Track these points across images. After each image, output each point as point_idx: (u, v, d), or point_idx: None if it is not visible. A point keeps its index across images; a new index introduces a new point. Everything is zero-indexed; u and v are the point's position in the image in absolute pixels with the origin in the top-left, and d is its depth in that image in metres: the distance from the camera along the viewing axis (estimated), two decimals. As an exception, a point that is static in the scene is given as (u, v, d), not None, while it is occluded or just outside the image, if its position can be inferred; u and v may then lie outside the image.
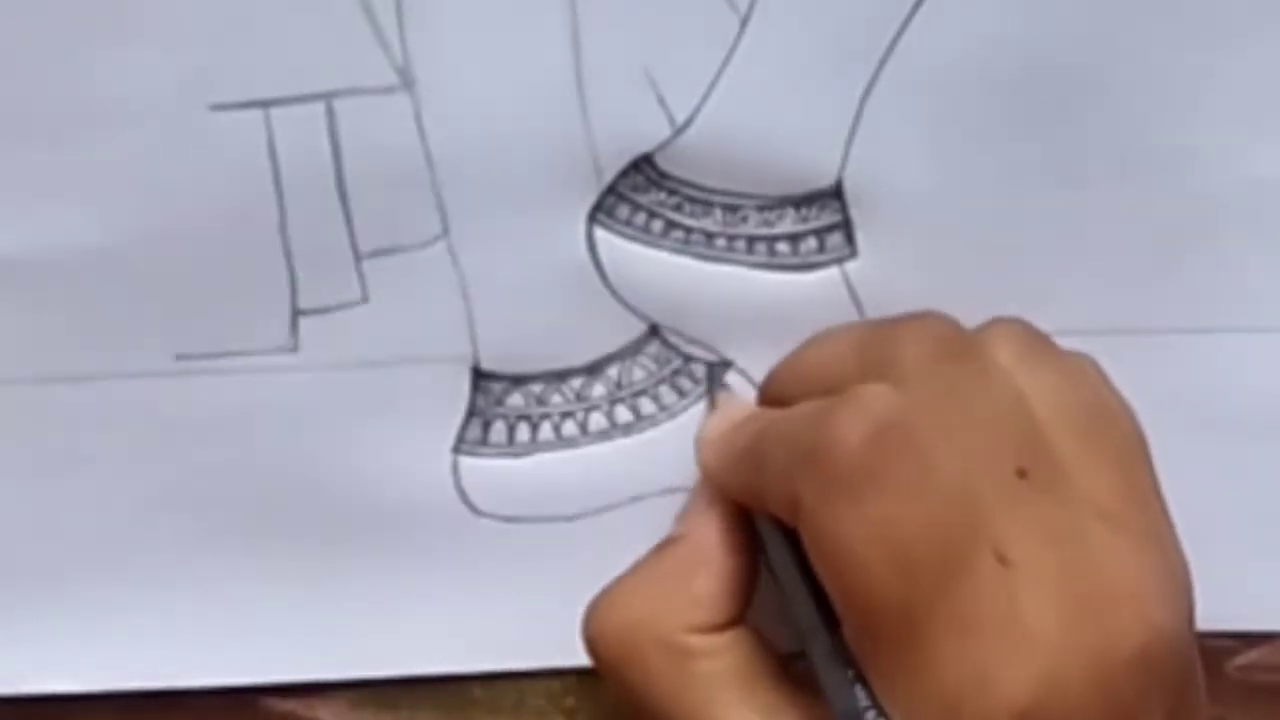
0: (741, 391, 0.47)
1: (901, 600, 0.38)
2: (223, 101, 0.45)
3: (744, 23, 0.45)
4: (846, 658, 0.39)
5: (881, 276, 0.46)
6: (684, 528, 0.44)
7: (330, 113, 0.45)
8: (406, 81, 0.45)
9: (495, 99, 0.45)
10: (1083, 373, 0.42)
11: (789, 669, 0.42)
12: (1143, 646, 0.38)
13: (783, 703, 0.41)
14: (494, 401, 0.47)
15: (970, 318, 0.43)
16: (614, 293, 0.46)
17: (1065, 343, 0.46)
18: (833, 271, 0.46)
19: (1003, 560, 0.38)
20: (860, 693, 0.39)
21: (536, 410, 0.47)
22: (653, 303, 0.46)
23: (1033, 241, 0.46)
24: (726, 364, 0.47)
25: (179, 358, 0.46)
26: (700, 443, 0.45)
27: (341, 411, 0.46)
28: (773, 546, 0.42)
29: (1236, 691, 0.47)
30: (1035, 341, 0.42)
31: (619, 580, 0.43)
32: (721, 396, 0.46)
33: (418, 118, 0.45)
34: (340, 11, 0.45)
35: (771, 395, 0.44)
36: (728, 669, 0.42)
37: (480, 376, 0.46)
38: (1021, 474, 0.39)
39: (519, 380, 0.47)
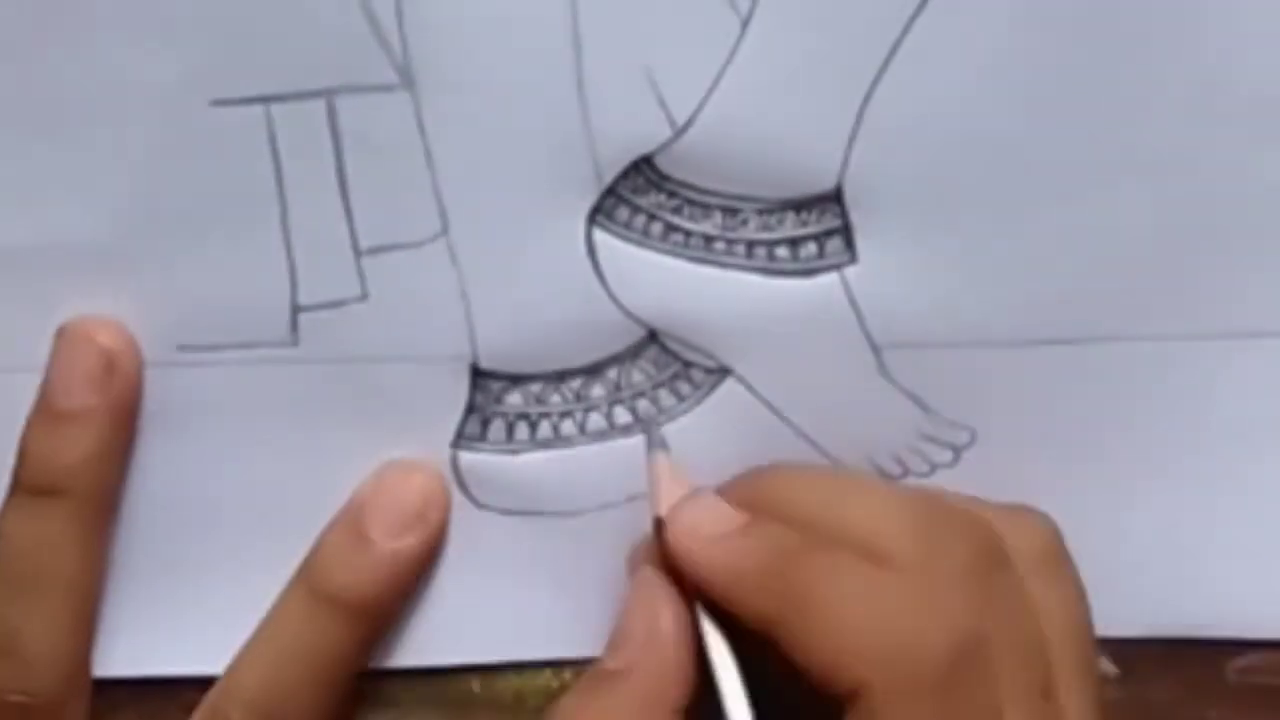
0: (738, 399, 0.47)
1: None
2: (224, 97, 0.45)
3: (745, 24, 0.45)
4: None
5: (881, 282, 0.46)
6: (627, 658, 0.41)
7: (331, 110, 0.45)
8: (407, 80, 0.45)
9: (495, 99, 0.45)
10: (1080, 595, 0.43)
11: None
12: None
13: None
14: (493, 400, 0.47)
15: (968, 323, 0.44)
16: (613, 297, 0.46)
17: (1067, 350, 0.46)
18: (832, 277, 0.46)
19: None
20: None
21: (535, 409, 0.47)
22: (651, 307, 0.46)
23: (1034, 247, 0.46)
24: (659, 428, 0.46)
25: (181, 349, 0.46)
26: (678, 529, 0.42)
27: (340, 406, 0.46)
28: (725, 677, 0.41)
29: (1236, 693, 0.47)
30: (1053, 552, 0.43)
31: (560, 712, 0.42)
32: (660, 462, 0.45)
33: (418, 116, 0.46)
34: (341, 10, 0.45)
35: (770, 506, 0.42)
36: None
37: (479, 375, 0.47)
38: (1046, 695, 0.40)
39: (518, 379, 0.47)
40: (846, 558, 0.40)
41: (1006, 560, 0.41)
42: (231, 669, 0.45)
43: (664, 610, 0.42)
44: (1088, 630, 0.42)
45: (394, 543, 0.45)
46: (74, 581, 0.45)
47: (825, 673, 0.39)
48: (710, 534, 0.41)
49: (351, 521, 0.45)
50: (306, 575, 0.45)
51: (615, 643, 0.42)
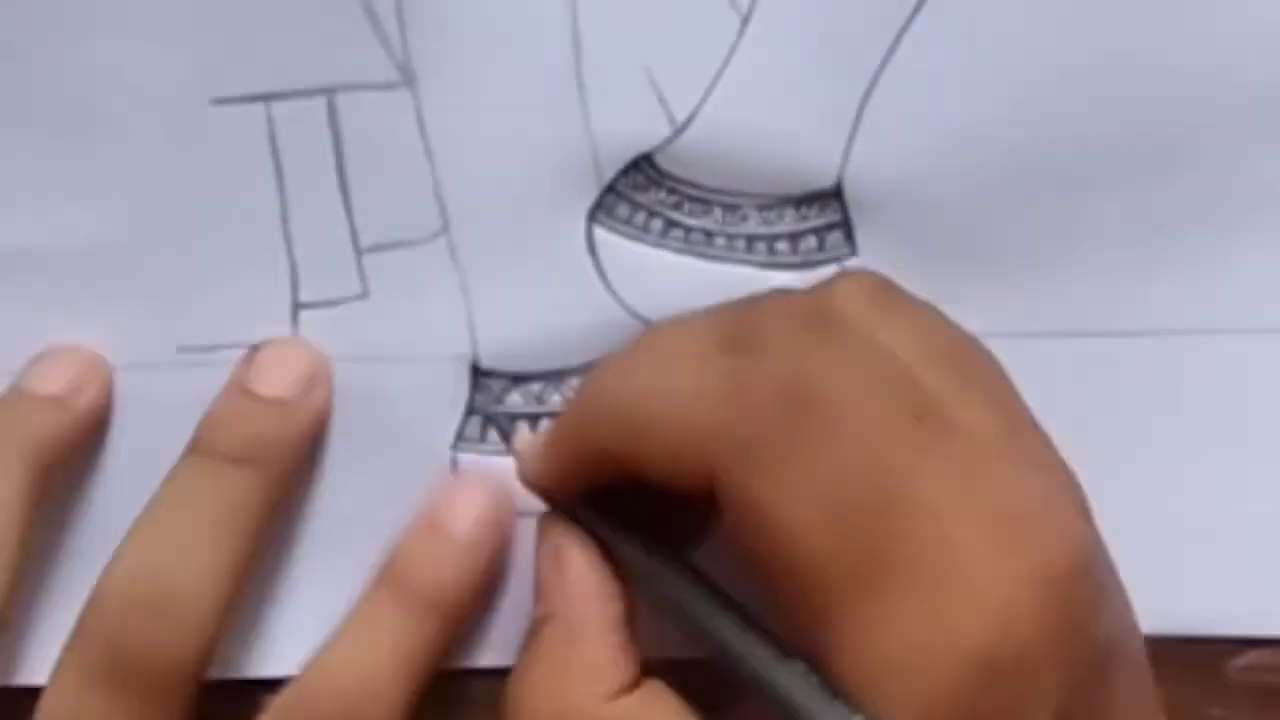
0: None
1: (842, 554, 0.38)
2: (225, 95, 0.46)
3: (745, 22, 0.46)
4: (772, 639, 0.40)
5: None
6: (546, 607, 0.43)
7: (331, 108, 0.46)
8: (407, 78, 0.46)
9: (496, 97, 0.46)
10: (934, 314, 0.42)
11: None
12: (1073, 559, 0.38)
13: None
14: (493, 399, 0.47)
15: (968, 317, 0.44)
16: (613, 293, 0.46)
17: (1066, 344, 0.46)
18: (832, 270, 0.46)
19: (924, 504, 0.38)
20: (800, 665, 0.39)
21: (536, 409, 0.47)
22: (652, 303, 0.46)
23: (1032, 242, 0.46)
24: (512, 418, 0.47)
25: (180, 349, 0.46)
26: (524, 456, 0.44)
27: (340, 404, 0.46)
28: (644, 563, 0.42)
29: (1236, 692, 0.47)
30: (882, 291, 0.42)
31: (511, 684, 0.42)
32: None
33: (418, 114, 0.46)
34: (342, 7, 0.45)
35: (608, 393, 0.43)
36: None
37: (480, 374, 0.47)
38: (919, 418, 0.39)
39: (519, 379, 0.47)
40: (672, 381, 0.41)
41: (826, 316, 0.41)
42: (314, 668, 0.44)
43: (566, 546, 0.43)
44: (952, 346, 0.41)
45: (475, 538, 0.45)
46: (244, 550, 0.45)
47: (677, 472, 0.40)
48: (537, 444, 0.44)
49: (430, 521, 0.45)
50: (390, 576, 0.45)
51: (536, 594, 0.43)
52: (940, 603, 0.37)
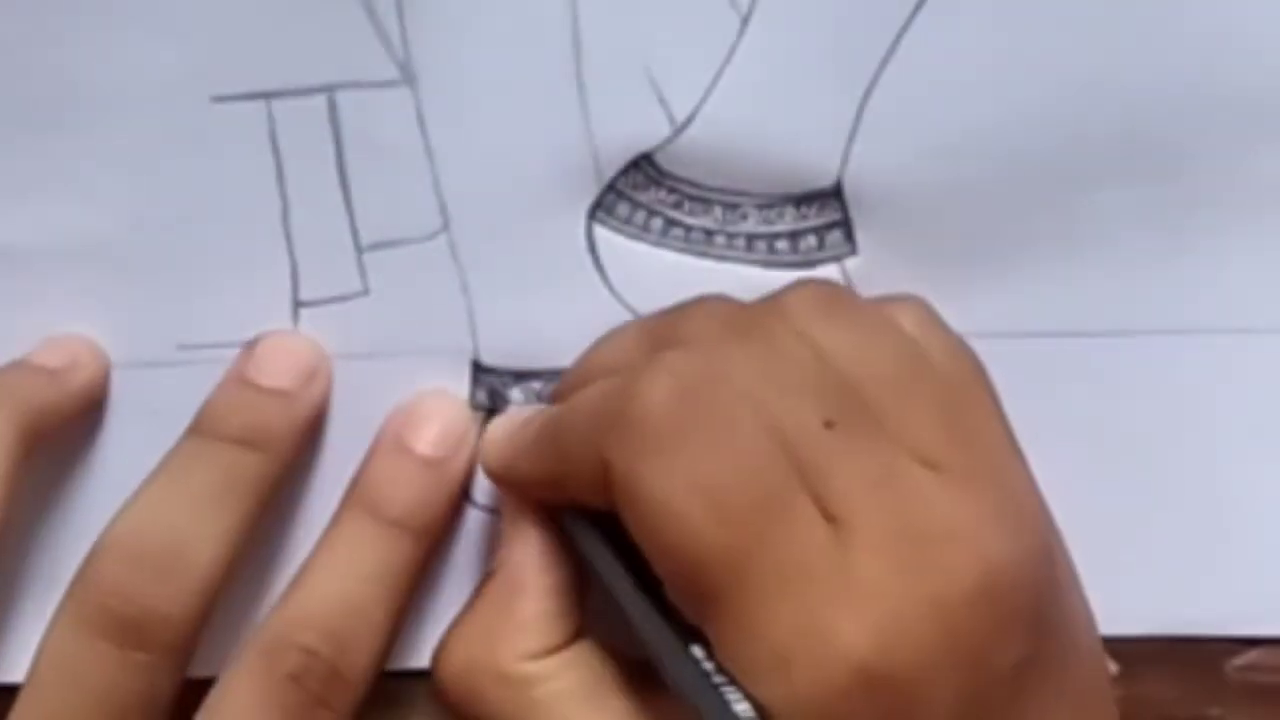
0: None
1: (725, 549, 0.38)
2: (225, 93, 0.46)
3: (744, 22, 0.46)
4: (678, 624, 0.39)
5: (881, 273, 0.46)
6: (495, 560, 0.44)
7: (332, 106, 0.46)
8: (408, 77, 0.46)
9: (496, 97, 0.46)
10: (885, 326, 0.42)
11: (642, 674, 0.42)
12: (979, 583, 0.38)
13: (636, 707, 0.41)
14: (493, 396, 0.47)
15: (968, 314, 0.44)
16: (613, 291, 0.46)
17: (1068, 343, 0.46)
18: (832, 269, 0.46)
19: (823, 508, 0.38)
20: (698, 651, 0.39)
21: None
22: (652, 301, 0.46)
23: (1032, 241, 0.46)
24: (504, 400, 0.47)
25: (181, 347, 0.46)
26: (483, 446, 0.45)
27: (341, 402, 0.46)
28: (582, 538, 0.42)
29: (1236, 691, 0.47)
30: (833, 300, 0.42)
31: (450, 624, 0.43)
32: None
33: (419, 113, 0.46)
34: (342, 6, 0.45)
35: (561, 397, 0.45)
36: (571, 687, 0.42)
37: (480, 371, 0.47)
38: (828, 425, 0.39)
39: (519, 376, 0.47)
40: (594, 384, 0.42)
41: (752, 325, 0.41)
42: (291, 599, 0.45)
43: (527, 509, 0.44)
44: (901, 358, 0.41)
45: (440, 454, 0.46)
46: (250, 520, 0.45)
47: (583, 487, 0.40)
48: (496, 437, 0.45)
49: (395, 441, 0.46)
50: (360, 498, 0.45)
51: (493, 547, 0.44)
52: (820, 604, 0.37)
